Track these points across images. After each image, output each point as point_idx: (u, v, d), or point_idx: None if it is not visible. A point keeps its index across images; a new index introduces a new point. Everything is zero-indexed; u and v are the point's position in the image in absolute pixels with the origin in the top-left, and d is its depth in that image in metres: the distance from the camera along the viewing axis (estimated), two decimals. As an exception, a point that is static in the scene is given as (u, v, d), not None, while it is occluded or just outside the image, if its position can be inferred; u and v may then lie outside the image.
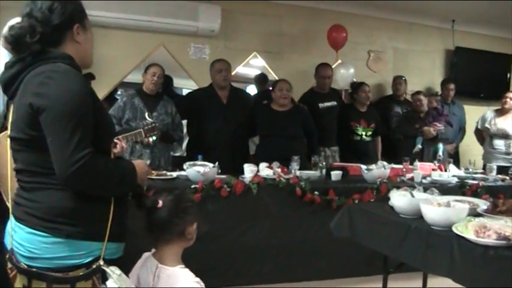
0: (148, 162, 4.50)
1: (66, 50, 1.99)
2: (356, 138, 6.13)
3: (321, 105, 6.09)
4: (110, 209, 1.97)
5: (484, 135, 6.98)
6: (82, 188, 1.87)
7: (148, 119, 4.76)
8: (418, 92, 6.94)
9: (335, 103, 6.20)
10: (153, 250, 2.30)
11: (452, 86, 7.31)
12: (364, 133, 6.11)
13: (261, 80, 6.94)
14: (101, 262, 1.92)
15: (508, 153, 6.61)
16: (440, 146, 6.37)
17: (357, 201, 4.33)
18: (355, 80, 7.04)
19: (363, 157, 5.57)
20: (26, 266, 1.89)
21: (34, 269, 1.87)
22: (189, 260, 2.32)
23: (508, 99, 6.66)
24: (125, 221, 2.08)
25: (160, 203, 2.17)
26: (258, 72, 7.25)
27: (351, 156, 5.81)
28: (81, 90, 1.88)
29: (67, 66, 1.91)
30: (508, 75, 8.38)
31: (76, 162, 1.77)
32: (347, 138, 6.16)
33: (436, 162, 5.58)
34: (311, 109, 5.90)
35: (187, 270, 2.22)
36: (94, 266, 1.91)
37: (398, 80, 7.26)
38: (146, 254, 2.33)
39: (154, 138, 4.28)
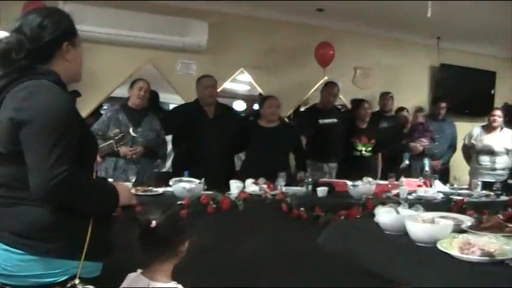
0: (134, 178, 4.49)
1: (54, 67, 1.99)
2: (356, 154, 6.17)
3: (320, 121, 6.17)
4: (89, 227, 1.94)
5: (470, 152, 7.05)
6: (58, 204, 1.85)
7: (133, 133, 4.78)
8: (402, 108, 7.01)
9: (335, 120, 6.26)
10: (139, 270, 2.28)
11: (443, 104, 7.43)
12: (363, 149, 6.15)
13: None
14: (77, 281, 1.89)
15: (493, 169, 6.69)
16: (426, 161, 6.48)
17: (343, 217, 4.32)
18: (340, 96, 7.10)
19: (362, 173, 5.56)
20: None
21: (8, 287, 1.85)
22: (177, 276, 2.31)
23: (496, 117, 6.74)
24: (105, 240, 2.05)
25: (154, 222, 2.15)
26: (246, 87, 7.28)
27: (350, 171, 5.79)
28: (64, 105, 1.88)
29: (50, 82, 1.91)
30: (493, 92, 8.47)
31: (54, 177, 1.75)
32: (347, 154, 6.21)
33: (421, 178, 5.62)
34: (311, 125, 6.03)
35: (180, 286, 2.21)
36: (69, 285, 1.88)
37: (385, 96, 7.32)
38: (133, 274, 2.31)
39: (122, 148, 4.33)
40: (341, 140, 6.23)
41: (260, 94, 7.04)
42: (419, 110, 7.47)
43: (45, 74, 1.93)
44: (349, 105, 7.33)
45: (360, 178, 4.87)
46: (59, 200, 1.83)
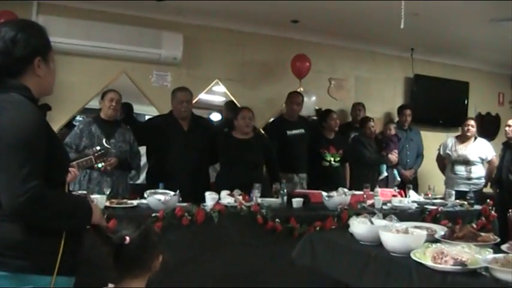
0: (108, 190, 4.44)
1: (25, 81, 1.95)
2: (325, 165, 6.17)
3: (288, 132, 6.14)
4: (61, 242, 1.91)
5: (445, 162, 7.13)
6: (29, 220, 1.82)
7: (106, 145, 4.74)
8: (369, 119, 7.04)
9: (303, 131, 6.24)
10: (111, 285, 2.24)
11: (408, 111, 7.50)
12: (332, 159, 6.16)
13: (231, 107, 6.86)
14: None
15: (469, 179, 6.78)
16: (396, 171, 6.62)
17: (318, 229, 4.31)
18: (316, 107, 7.13)
19: (332, 183, 5.58)
20: None
21: None
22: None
23: (469, 127, 6.86)
24: (77, 255, 2.02)
25: (128, 239, 2.12)
26: (221, 99, 7.27)
27: (320, 182, 5.81)
28: (34, 121, 1.85)
29: (21, 97, 1.88)
30: (466, 102, 8.57)
31: (23, 193, 1.73)
32: (316, 165, 6.20)
33: (396, 188, 5.68)
34: (279, 136, 5.99)
35: None
36: None
37: (357, 107, 7.38)
38: None
39: (101, 164, 4.32)
40: (309, 151, 6.23)
41: (227, 102, 7.05)
42: (390, 121, 7.53)
43: (15, 88, 1.91)
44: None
45: (331, 188, 4.89)
46: (29, 216, 1.81)
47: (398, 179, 6.68)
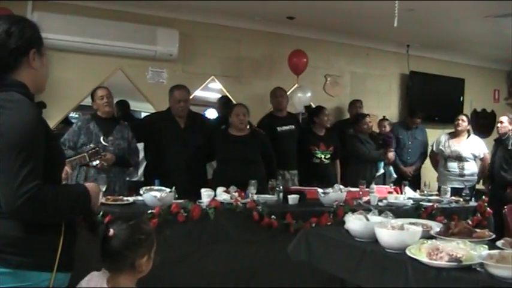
0: (104, 187, 4.43)
1: (20, 76, 1.95)
2: (315, 161, 6.16)
3: (279, 128, 6.15)
4: (60, 238, 1.92)
5: (438, 158, 7.15)
6: (29, 219, 1.83)
7: (103, 143, 4.73)
8: (365, 115, 7.02)
9: (293, 127, 6.26)
10: (104, 270, 2.23)
11: (419, 120, 7.53)
12: (323, 156, 6.15)
13: (225, 103, 6.84)
14: None
15: (461, 175, 6.81)
16: (391, 168, 6.68)
17: (314, 225, 4.31)
18: (311, 104, 7.12)
19: (322, 180, 5.58)
20: None
21: None
22: (147, 286, 2.29)
23: (460, 121, 6.89)
24: (73, 251, 2.03)
25: (112, 231, 2.12)
26: (217, 95, 7.26)
27: (310, 179, 5.81)
28: (34, 120, 1.85)
29: (20, 95, 1.88)
30: (462, 99, 8.60)
31: (23, 195, 1.73)
32: (307, 162, 6.19)
33: (392, 184, 5.71)
34: (269, 133, 5.96)
35: None
36: None
37: (356, 104, 7.37)
38: (95, 273, 2.25)
39: (96, 162, 4.28)
40: (299, 147, 6.23)
41: (220, 98, 7.04)
42: (384, 119, 7.49)
43: (13, 86, 1.91)
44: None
45: (322, 185, 4.90)
46: (28, 217, 1.82)
47: (394, 175, 6.71)
